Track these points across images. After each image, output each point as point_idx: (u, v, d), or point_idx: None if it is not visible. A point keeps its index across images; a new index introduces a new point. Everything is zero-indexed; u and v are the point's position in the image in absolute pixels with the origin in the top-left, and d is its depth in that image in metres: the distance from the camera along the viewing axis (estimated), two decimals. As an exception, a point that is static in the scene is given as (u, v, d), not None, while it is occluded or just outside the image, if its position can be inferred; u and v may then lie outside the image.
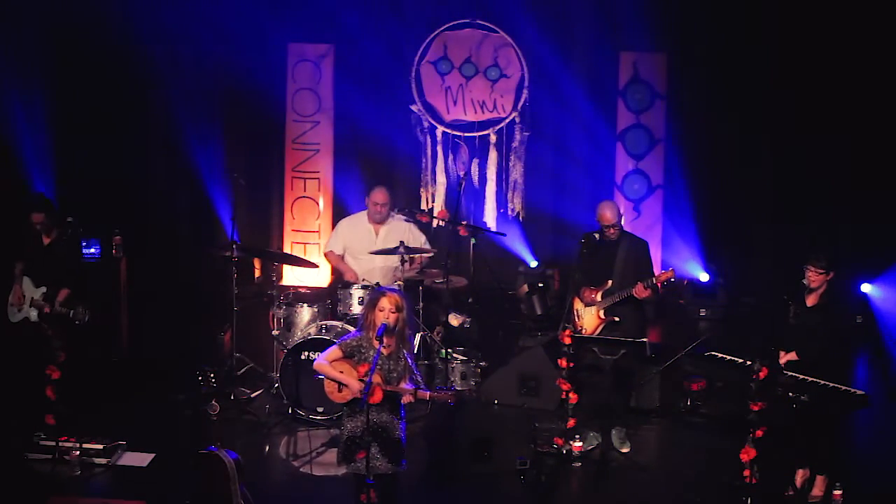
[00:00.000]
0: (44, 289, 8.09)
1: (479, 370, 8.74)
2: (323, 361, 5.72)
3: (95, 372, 8.63)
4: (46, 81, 10.28)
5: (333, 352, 5.73)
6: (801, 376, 6.56)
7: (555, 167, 10.74)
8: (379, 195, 8.93)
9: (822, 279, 6.74)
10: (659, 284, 7.37)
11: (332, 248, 9.10)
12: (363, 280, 8.67)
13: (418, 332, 8.23)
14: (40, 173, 10.11)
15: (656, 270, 7.60)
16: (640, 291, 7.39)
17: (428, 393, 5.64)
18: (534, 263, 10.63)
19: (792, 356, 6.70)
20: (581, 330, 7.64)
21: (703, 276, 10.64)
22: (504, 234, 10.27)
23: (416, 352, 5.94)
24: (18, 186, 9.85)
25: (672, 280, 7.41)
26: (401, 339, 5.72)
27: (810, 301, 6.80)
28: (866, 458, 7.49)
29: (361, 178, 10.48)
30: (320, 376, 5.79)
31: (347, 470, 5.79)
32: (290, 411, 8.08)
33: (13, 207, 8.78)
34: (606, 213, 7.59)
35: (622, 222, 7.67)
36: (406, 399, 5.62)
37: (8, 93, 10.04)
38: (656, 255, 9.98)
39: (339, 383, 5.72)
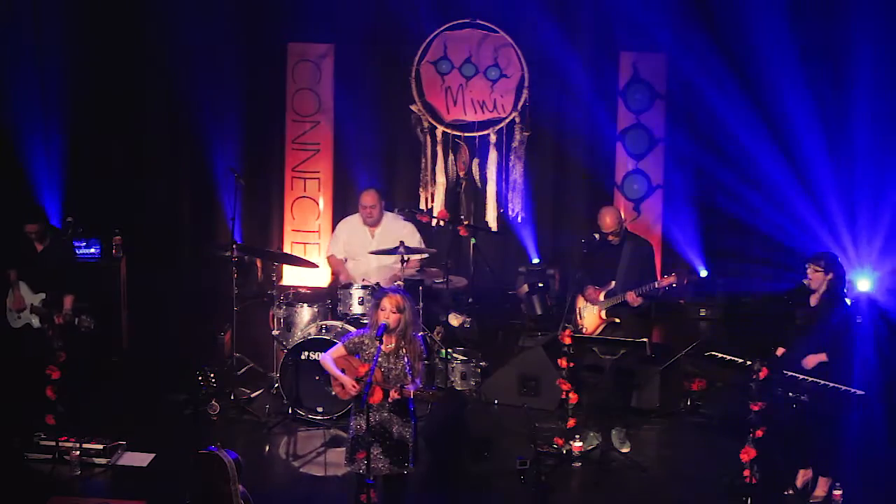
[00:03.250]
0: (42, 294, 8.07)
1: (479, 370, 8.74)
2: (327, 357, 5.82)
3: (95, 372, 8.63)
4: (53, 79, 10.29)
5: (338, 349, 5.85)
6: (801, 376, 6.56)
7: (555, 167, 10.73)
8: (367, 198, 8.85)
9: (821, 279, 6.75)
10: (660, 289, 7.36)
11: (334, 251, 9.08)
12: (363, 280, 8.66)
13: (419, 331, 8.23)
14: (45, 173, 10.10)
15: (658, 273, 7.59)
16: (632, 299, 7.37)
17: (412, 390, 5.66)
18: (535, 260, 10.63)
19: (822, 357, 6.65)
20: (582, 329, 7.64)
21: (703, 273, 10.63)
22: (504, 234, 10.26)
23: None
24: (19, 187, 9.86)
25: (674, 286, 7.38)
26: (402, 339, 5.77)
27: (813, 301, 6.81)
28: (866, 458, 7.49)
29: (361, 178, 10.47)
30: (325, 373, 5.87)
31: (351, 469, 5.81)
32: (290, 411, 8.08)
33: (12, 213, 8.77)
34: (607, 219, 7.56)
35: (624, 227, 7.66)
36: (392, 396, 5.65)
37: (18, 92, 10.05)
38: (656, 255, 9.96)
39: (340, 382, 5.78)
